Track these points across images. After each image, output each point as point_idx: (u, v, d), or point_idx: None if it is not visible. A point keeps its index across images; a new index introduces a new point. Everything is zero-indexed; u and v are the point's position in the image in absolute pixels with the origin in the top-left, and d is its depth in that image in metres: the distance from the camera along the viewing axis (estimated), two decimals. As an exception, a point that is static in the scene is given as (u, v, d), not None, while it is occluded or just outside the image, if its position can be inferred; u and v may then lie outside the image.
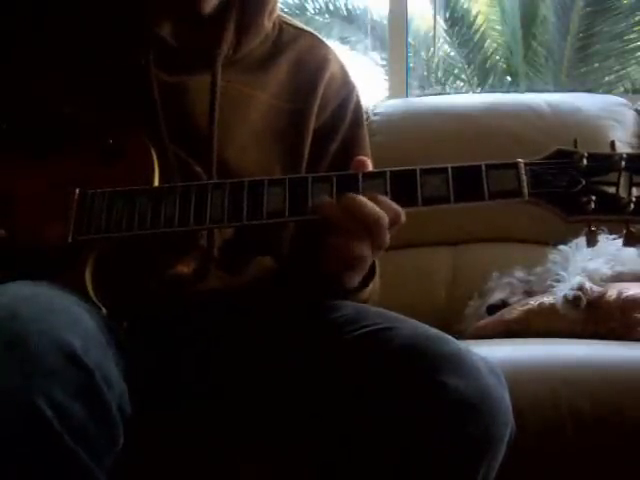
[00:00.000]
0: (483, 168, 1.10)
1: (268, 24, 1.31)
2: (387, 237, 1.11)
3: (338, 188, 1.12)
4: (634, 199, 1.08)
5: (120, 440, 1.04)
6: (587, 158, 1.09)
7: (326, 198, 1.11)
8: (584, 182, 1.09)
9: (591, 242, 1.10)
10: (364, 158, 1.15)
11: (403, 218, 1.11)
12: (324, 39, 1.42)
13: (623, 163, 1.08)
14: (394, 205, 1.10)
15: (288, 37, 1.34)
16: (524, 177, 1.09)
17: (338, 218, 1.09)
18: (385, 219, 1.09)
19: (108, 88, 1.23)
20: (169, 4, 1.24)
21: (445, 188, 1.10)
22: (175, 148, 1.22)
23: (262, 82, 1.30)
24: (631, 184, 1.08)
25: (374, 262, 1.20)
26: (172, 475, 1.21)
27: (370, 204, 1.09)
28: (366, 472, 1.07)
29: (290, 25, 1.37)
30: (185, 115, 1.24)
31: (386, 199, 1.10)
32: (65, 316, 1.02)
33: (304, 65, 1.33)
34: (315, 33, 1.40)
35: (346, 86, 1.38)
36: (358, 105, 1.39)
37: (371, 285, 1.23)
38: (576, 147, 1.11)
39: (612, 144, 1.11)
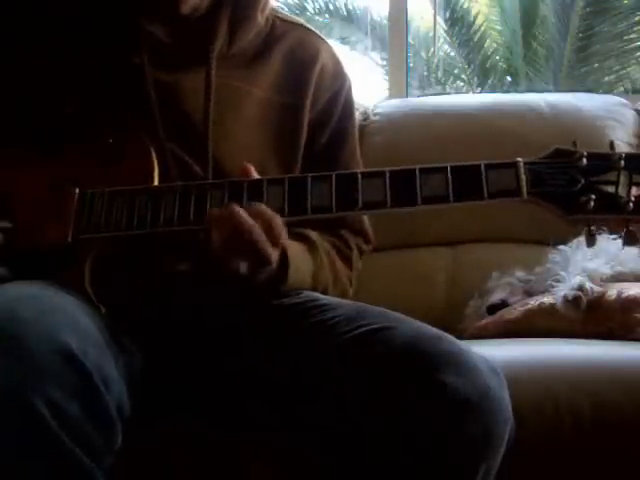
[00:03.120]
0: (482, 167, 1.10)
1: (261, 19, 1.31)
2: (264, 249, 1.11)
3: (337, 187, 1.12)
4: (633, 198, 1.08)
5: (119, 440, 1.04)
6: (586, 157, 1.09)
7: (214, 209, 1.11)
8: (583, 181, 1.09)
9: (590, 242, 1.10)
10: (248, 165, 1.15)
11: (282, 234, 1.11)
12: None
13: (622, 162, 1.08)
14: (267, 215, 1.10)
15: (280, 31, 1.34)
16: (523, 176, 1.09)
17: (219, 227, 1.10)
18: (253, 231, 1.09)
19: (105, 88, 1.23)
20: (151, 5, 1.24)
21: (444, 188, 1.10)
22: (172, 146, 1.22)
23: (256, 77, 1.30)
24: (630, 183, 1.08)
25: (286, 258, 1.20)
26: (172, 475, 1.21)
27: (244, 216, 1.09)
28: (366, 472, 1.07)
29: (282, 19, 1.36)
30: (181, 112, 1.24)
31: (263, 209, 1.10)
32: (63, 317, 1.02)
33: (296, 58, 1.33)
34: (307, 25, 1.40)
35: (338, 78, 1.37)
36: (349, 97, 1.38)
37: (291, 280, 1.22)
38: (575, 147, 1.11)
39: (611, 144, 1.11)
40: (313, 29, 1.40)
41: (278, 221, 1.11)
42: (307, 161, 1.29)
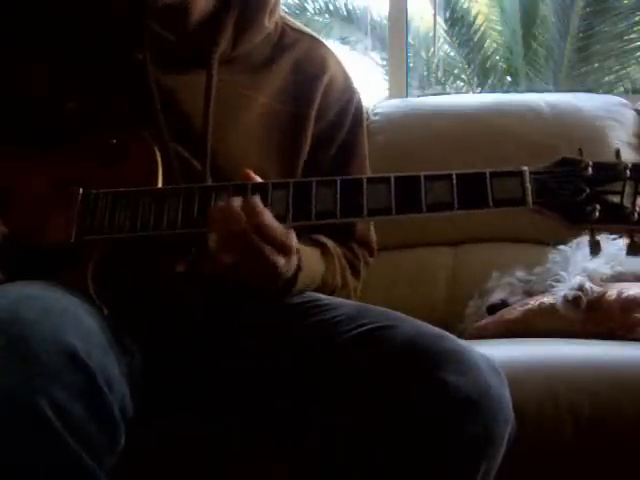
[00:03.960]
0: (487, 175, 1.09)
1: (269, 24, 1.31)
2: (254, 243, 1.09)
3: (341, 192, 1.11)
4: (638, 209, 1.06)
5: (121, 441, 1.04)
6: (592, 167, 1.08)
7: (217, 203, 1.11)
8: (588, 191, 1.08)
9: (595, 250, 1.09)
10: (248, 171, 1.14)
11: (275, 235, 1.09)
12: (324, 39, 1.42)
13: (628, 172, 1.07)
14: (254, 210, 1.09)
15: (289, 40, 1.34)
16: (528, 185, 1.08)
17: (214, 225, 1.10)
18: (242, 222, 1.08)
19: (108, 87, 1.23)
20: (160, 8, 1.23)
21: (449, 195, 1.09)
22: (175, 146, 1.22)
23: (260, 84, 1.29)
24: (636, 193, 1.06)
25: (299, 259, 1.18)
26: (172, 475, 1.21)
27: (235, 208, 1.08)
28: (366, 470, 1.08)
29: (292, 28, 1.36)
30: (182, 113, 1.24)
31: (253, 203, 1.09)
32: (67, 317, 1.03)
33: (303, 68, 1.33)
34: (317, 36, 1.40)
35: (347, 91, 1.37)
36: (358, 110, 1.38)
37: (300, 283, 1.20)
38: (581, 156, 1.09)
39: (617, 153, 1.09)
40: (323, 41, 1.40)
41: (268, 217, 1.09)
42: (314, 174, 1.28)
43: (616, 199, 1.07)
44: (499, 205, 1.09)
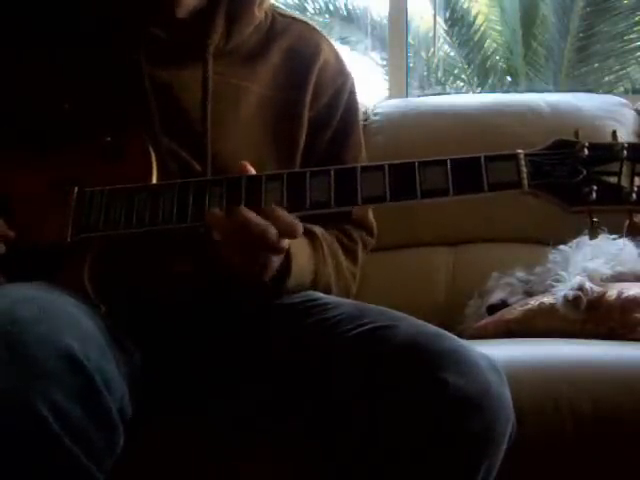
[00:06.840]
0: (482, 160, 1.08)
1: (259, 14, 1.31)
2: (277, 246, 1.10)
3: (336, 182, 1.11)
4: (636, 189, 1.05)
5: (120, 442, 1.04)
6: (588, 148, 1.07)
7: (215, 210, 1.10)
8: (585, 172, 1.06)
9: (593, 234, 1.08)
10: (245, 163, 1.13)
11: (299, 230, 1.09)
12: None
13: (625, 152, 1.06)
14: (288, 218, 1.09)
15: (280, 26, 1.34)
16: (524, 168, 1.07)
17: (223, 230, 1.09)
18: (269, 232, 1.08)
19: (104, 86, 1.23)
20: (148, 8, 1.23)
21: (444, 180, 1.08)
22: (171, 143, 1.22)
23: (254, 74, 1.29)
24: (633, 173, 1.06)
25: (289, 255, 1.18)
26: (172, 475, 1.21)
27: (255, 220, 1.08)
28: (367, 470, 1.07)
29: (282, 15, 1.36)
30: (179, 109, 1.24)
31: (279, 212, 1.09)
32: (64, 318, 1.02)
33: (296, 54, 1.33)
34: (308, 21, 1.40)
35: (341, 75, 1.37)
36: (352, 94, 1.38)
37: (293, 279, 1.21)
38: (577, 137, 1.09)
39: (614, 134, 1.09)
40: (314, 25, 1.39)
41: (289, 218, 1.09)
42: (310, 160, 1.29)
43: (613, 180, 1.06)
44: (495, 189, 1.08)
